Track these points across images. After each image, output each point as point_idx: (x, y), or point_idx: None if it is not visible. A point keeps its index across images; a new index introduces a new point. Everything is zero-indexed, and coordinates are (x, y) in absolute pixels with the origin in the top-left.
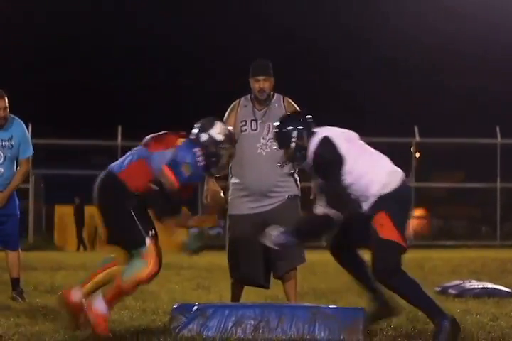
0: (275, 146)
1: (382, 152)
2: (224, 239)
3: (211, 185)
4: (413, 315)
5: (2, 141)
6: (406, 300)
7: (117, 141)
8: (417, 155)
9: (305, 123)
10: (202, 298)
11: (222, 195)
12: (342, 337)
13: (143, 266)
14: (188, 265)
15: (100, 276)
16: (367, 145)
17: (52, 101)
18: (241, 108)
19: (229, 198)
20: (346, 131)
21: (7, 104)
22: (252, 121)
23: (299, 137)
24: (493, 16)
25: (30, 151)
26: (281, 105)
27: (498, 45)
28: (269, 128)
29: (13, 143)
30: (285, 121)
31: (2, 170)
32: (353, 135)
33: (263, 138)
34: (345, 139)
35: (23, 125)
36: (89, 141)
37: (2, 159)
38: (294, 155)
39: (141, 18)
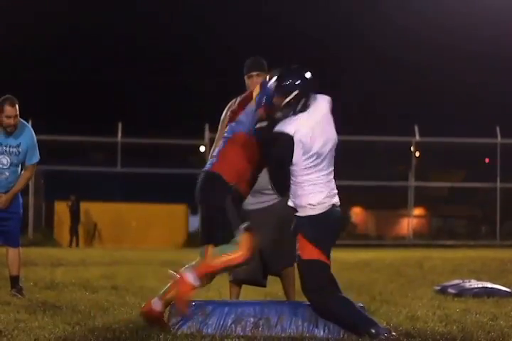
0: None
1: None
2: None
3: None
4: (412, 315)
5: (10, 147)
6: (337, 316)
7: (117, 138)
8: (417, 154)
9: (310, 85)
10: (201, 295)
11: None
12: (342, 335)
13: (235, 249)
14: (188, 262)
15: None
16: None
17: (52, 98)
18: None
19: None
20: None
21: (18, 112)
22: None
23: (298, 94)
24: (494, 15)
25: (37, 158)
26: None
27: (500, 44)
28: None
29: (20, 149)
30: (294, 71)
31: (7, 174)
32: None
33: None
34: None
35: (32, 132)
36: (90, 137)
37: (8, 164)
38: (287, 107)
39: (142, 15)
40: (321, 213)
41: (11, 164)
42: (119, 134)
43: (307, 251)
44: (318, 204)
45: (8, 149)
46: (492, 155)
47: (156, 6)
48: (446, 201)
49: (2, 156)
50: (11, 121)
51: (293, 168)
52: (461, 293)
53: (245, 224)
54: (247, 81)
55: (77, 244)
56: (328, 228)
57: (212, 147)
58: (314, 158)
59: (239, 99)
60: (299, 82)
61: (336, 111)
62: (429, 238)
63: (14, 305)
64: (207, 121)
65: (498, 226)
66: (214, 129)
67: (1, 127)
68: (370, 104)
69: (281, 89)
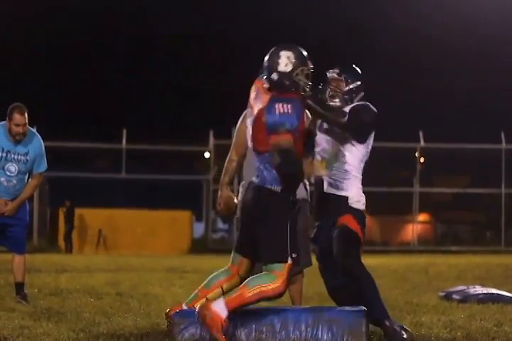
0: None
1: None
2: (228, 242)
3: (225, 191)
4: (417, 321)
5: (18, 155)
6: (362, 290)
7: (122, 144)
8: (422, 160)
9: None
10: None
11: (235, 200)
12: (346, 340)
13: (271, 281)
14: (192, 268)
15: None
16: None
17: (57, 104)
18: (251, 115)
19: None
20: None
21: (27, 121)
22: None
23: (360, 86)
24: (500, 19)
25: (44, 166)
26: None
27: (506, 50)
28: None
29: (28, 158)
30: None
31: (15, 181)
32: None
33: None
34: None
35: (41, 141)
36: (94, 144)
37: (16, 172)
38: (348, 94)
39: (147, 19)
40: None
41: (19, 172)
42: (124, 140)
43: (354, 225)
44: (364, 202)
45: (16, 157)
46: (497, 161)
47: (167, 12)
48: (451, 207)
49: (10, 164)
50: (20, 129)
51: (360, 151)
52: (466, 299)
53: (294, 255)
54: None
55: (71, 250)
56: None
57: (229, 154)
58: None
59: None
60: (361, 75)
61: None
62: (433, 244)
63: (19, 311)
64: (211, 127)
65: (503, 231)
66: (218, 135)
67: (10, 135)
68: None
69: (348, 74)
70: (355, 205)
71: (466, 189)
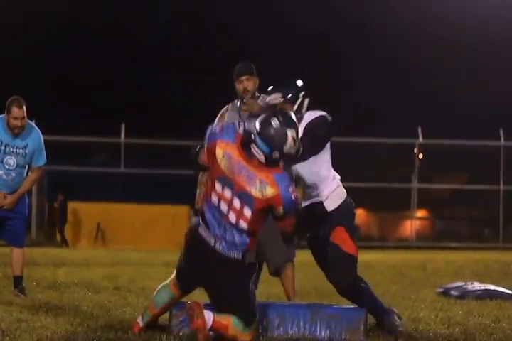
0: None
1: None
2: None
3: (203, 190)
4: (415, 317)
5: (17, 148)
6: (365, 302)
7: (120, 138)
8: (420, 156)
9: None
10: (204, 296)
11: None
12: (343, 337)
13: (247, 333)
14: None
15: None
16: None
17: (55, 98)
18: (229, 112)
19: None
20: None
21: (25, 114)
22: (239, 123)
23: (305, 95)
24: (499, 17)
25: (44, 160)
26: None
27: (503, 45)
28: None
29: (27, 151)
30: (294, 83)
31: (13, 175)
32: None
33: None
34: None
35: (40, 134)
36: (93, 138)
37: (15, 165)
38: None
39: (146, 15)
40: (345, 200)
41: (18, 165)
42: (122, 135)
43: (348, 244)
44: (343, 193)
45: (15, 150)
46: (495, 158)
47: (165, 8)
48: (450, 203)
49: (9, 157)
50: (18, 122)
51: (324, 156)
52: (464, 295)
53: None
54: (237, 86)
55: (67, 244)
56: (352, 215)
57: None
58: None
59: (230, 105)
60: (300, 85)
61: (339, 113)
62: (432, 240)
63: (17, 304)
64: (210, 121)
65: (501, 228)
66: None
67: (9, 128)
68: (373, 106)
69: (290, 92)
70: (332, 206)
71: (464, 185)
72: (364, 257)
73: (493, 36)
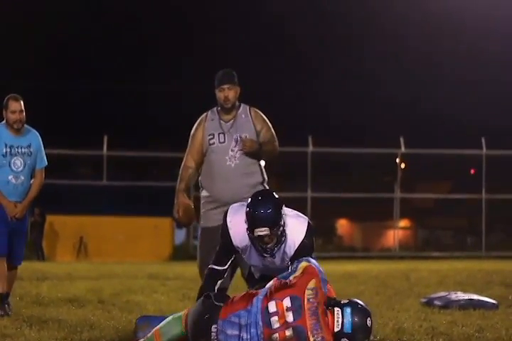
0: (243, 158)
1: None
2: None
3: (181, 199)
4: (399, 327)
5: (22, 148)
6: None
7: (103, 151)
8: (403, 166)
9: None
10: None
11: (192, 207)
12: None
13: None
14: (173, 275)
15: None
16: None
17: (38, 111)
18: (208, 121)
19: (201, 211)
20: None
21: (23, 108)
22: (219, 134)
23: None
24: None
25: (45, 162)
26: (248, 115)
27: (484, 57)
28: (237, 140)
29: (32, 149)
30: (276, 202)
31: (23, 178)
32: None
33: (231, 150)
34: None
35: (38, 135)
36: (75, 150)
37: (22, 166)
38: (280, 236)
39: (131, 26)
40: None
41: (25, 166)
42: (105, 147)
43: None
44: None
45: (20, 150)
46: (477, 167)
47: (148, 15)
48: (432, 212)
49: (16, 158)
50: (17, 116)
51: None
52: (448, 305)
53: None
54: (218, 94)
55: (43, 258)
56: None
57: (184, 160)
58: None
59: (209, 112)
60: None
61: (322, 124)
62: (415, 249)
63: (0, 320)
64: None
65: (483, 237)
66: None
67: (10, 127)
68: (356, 116)
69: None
70: None
71: (447, 194)
72: (347, 267)
73: (471, 48)
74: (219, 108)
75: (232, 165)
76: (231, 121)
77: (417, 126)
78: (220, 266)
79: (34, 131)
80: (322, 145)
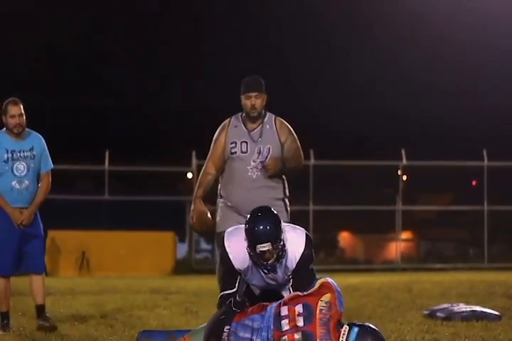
0: (264, 171)
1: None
2: (212, 263)
3: (197, 205)
4: (401, 339)
5: (24, 151)
6: None
7: (104, 166)
8: (404, 178)
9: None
10: (191, 323)
11: (209, 215)
12: None
13: None
14: (176, 289)
15: None
16: None
17: (38, 126)
18: (231, 128)
19: (217, 219)
20: None
21: (22, 111)
22: (242, 142)
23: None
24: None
25: (51, 164)
26: (273, 126)
27: (492, 67)
28: (260, 151)
29: (35, 153)
30: (275, 217)
31: (27, 182)
32: None
33: (253, 161)
34: None
35: (41, 137)
36: (76, 165)
37: (26, 170)
38: (280, 251)
39: (134, 37)
40: None
41: (29, 169)
42: (106, 162)
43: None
44: None
45: (22, 154)
46: (479, 178)
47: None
48: (434, 224)
49: (18, 163)
50: (16, 120)
51: None
52: (450, 316)
53: None
54: (244, 101)
55: (46, 273)
56: None
57: (204, 166)
58: None
59: (233, 118)
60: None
61: (323, 137)
62: (417, 261)
63: (3, 335)
64: (194, 147)
65: (485, 248)
66: (201, 156)
67: (10, 132)
68: (357, 129)
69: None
70: None
71: (448, 206)
72: (350, 280)
73: (472, 59)
74: (243, 114)
75: (254, 176)
76: (255, 130)
77: (418, 138)
78: (230, 289)
79: (36, 133)
80: (323, 157)
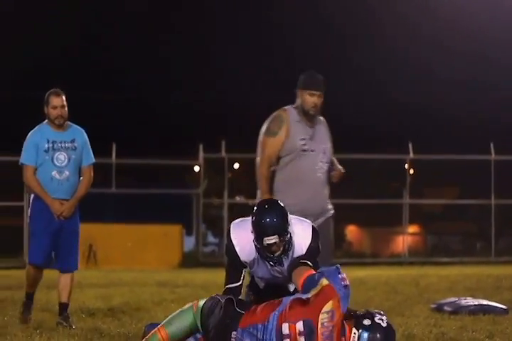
0: (326, 171)
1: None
2: (219, 256)
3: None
4: (409, 333)
5: (65, 142)
6: None
7: (111, 159)
8: (411, 171)
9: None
10: None
11: None
12: None
13: None
14: (183, 283)
15: None
16: None
17: (43, 119)
18: (293, 122)
19: None
20: None
21: (64, 103)
22: (309, 140)
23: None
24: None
25: (92, 159)
26: (326, 127)
27: (493, 61)
28: (325, 151)
29: (76, 144)
30: (282, 210)
31: (67, 173)
32: None
33: (320, 162)
34: None
35: (83, 131)
36: None
37: (67, 161)
38: (287, 244)
39: (147, 29)
40: None
41: (70, 160)
42: (113, 155)
43: None
44: None
45: (63, 145)
46: (486, 172)
47: (156, 28)
48: (441, 218)
49: (59, 153)
50: (58, 111)
51: None
52: (457, 310)
53: None
54: (305, 97)
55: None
56: None
57: (260, 169)
58: None
59: (292, 111)
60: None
61: (330, 131)
62: (424, 255)
63: (11, 328)
64: (201, 140)
65: (493, 242)
66: (208, 149)
67: (52, 123)
68: (364, 122)
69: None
70: None
71: (455, 200)
72: (357, 273)
73: (481, 52)
74: (300, 109)
75: (322, 177)
76: (314, 128)
77: (425, 131)
78: (235, 282)
79: (78, 127)
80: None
